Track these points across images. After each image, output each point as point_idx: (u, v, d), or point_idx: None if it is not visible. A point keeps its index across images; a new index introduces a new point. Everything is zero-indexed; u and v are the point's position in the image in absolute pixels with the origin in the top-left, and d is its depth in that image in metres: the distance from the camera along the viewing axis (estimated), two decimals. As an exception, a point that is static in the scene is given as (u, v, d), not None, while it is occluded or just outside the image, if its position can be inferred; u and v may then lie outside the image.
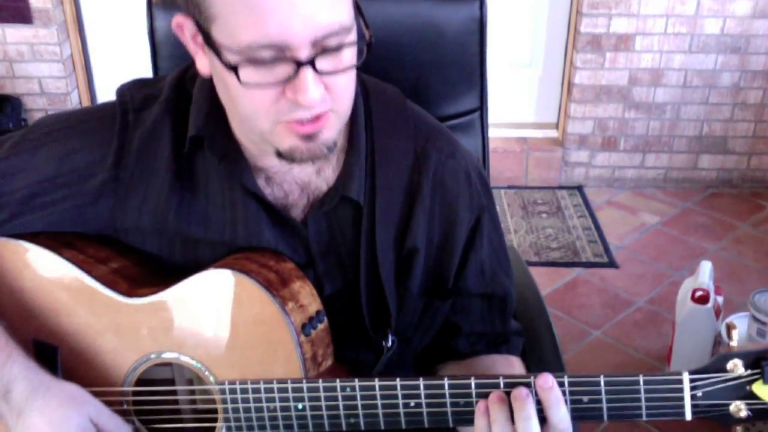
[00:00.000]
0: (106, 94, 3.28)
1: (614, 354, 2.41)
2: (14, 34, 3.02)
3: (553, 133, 3.37)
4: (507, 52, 3.22)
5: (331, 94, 0.87)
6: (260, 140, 0.93)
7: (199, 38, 0.89)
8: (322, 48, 0.83)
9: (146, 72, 1.30)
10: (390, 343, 1.03)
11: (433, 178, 1.03)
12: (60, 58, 3.08)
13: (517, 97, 3.33)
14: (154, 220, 0.99)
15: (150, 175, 0.99)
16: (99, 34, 3.20)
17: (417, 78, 1.11)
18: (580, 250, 2.88)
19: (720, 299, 2.25)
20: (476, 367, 1.11)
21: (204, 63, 0.92)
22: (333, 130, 0.91)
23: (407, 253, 1.03)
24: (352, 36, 0.86)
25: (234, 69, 0.84)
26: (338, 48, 0.85)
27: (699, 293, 2.16)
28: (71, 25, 3.10)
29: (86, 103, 3.26)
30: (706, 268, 2.24)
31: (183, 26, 0.91)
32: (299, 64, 0.83)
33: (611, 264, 2.81)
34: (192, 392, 1.05)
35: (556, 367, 1.25)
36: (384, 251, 1.01)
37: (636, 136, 3.24)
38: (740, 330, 2.16)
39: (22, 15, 2.97)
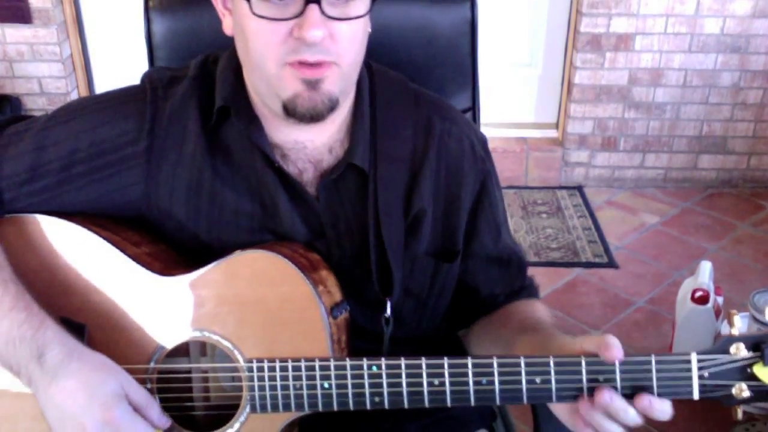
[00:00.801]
0: (106, 94, 3.28)
1: (614, 354, 2.40)
2: (14, 33, 3.03)
3: (552, 133, 3.37)
4: (507, 52, 3.22)
5: (335, 44, 0.94)
6: (268, 91, 0.99)
7: (228, 2, 1.00)
8: None
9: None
10: (388, 314, 1.06)
11: (438, 144, 1.09)
12: (60, 58, 3.09)
13: (517, 97, 3.33)
14: (189, 183, 1.04)
15: (182, 143, 1.04)
16: (99, 34, 3.20)
17: (409, 79, 1.13)
18: (580, 251, 2.88)
19: (720, 299, 2.25)
20: (498, 318, 1.15)
21: (229, 23, 1.02)
22: (336, 84, 0.97)
23: (415, 216, 1.07)
24: None
25: None
26: None
27: (699, 293, 2.16)
28: (71, 25, 3.10)
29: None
30: (705, 268, 2.24)
31: None
32: (307, 2, 0.91)
33: (611, 264, 2.81)
34: (216, 374, 1.06)
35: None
36: (389, 216, 1.05)
37: (636, 136, 3.24)
38: (740, 330, 2.15)
39: (21, 15, 2.97)
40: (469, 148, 1.11)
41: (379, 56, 1.11)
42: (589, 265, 2.81)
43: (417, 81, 1.13)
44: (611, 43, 3.05)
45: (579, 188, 3.30)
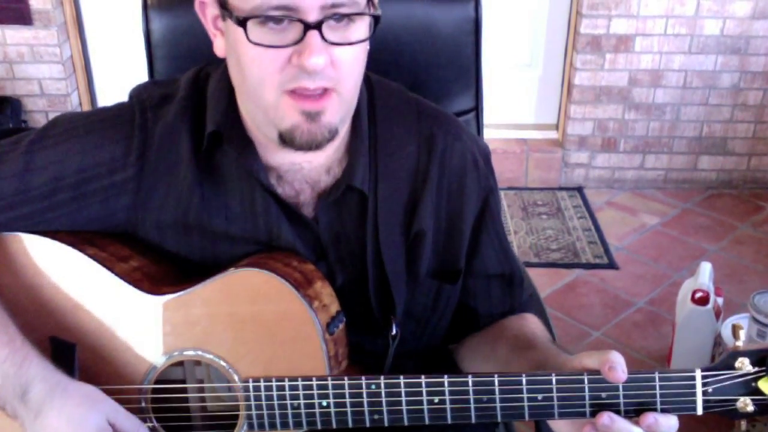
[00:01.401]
0: (106, 95, 3.28)
1: (614, 355, 2.40)
2: (14, 35, 3.02)
3: (553, 134, 3.37)
4: (507, 53, 3.22)
5: (337, 71, 0.90)
6: (265, 120, 0.95)
7: (219, 22, 0.94)
8: (331, 14, 0.87)
9: (145, 73, 1.30)
10: (394, 332, 1.04)
11: (440, 160, 1.05)
12: (60, 60, 3.08)
13: (517, 98, 3.32)
14: (177, 212, 1.01)
15: (172, 168, 1.01)
16: (99, 36, 3.20)
17: (413, 79, 1.12)
18: (580, 251, 2.88)
19: (720, 300, 2.25)
20: (491, 334, 1.13)
21: (220, 45, 0.97)
22: (336, 114, 0.93)
23: (415, 237, 1.05)
24: (362, 10, 0.90)
25: (243, 24, 0.87)
26: (347, 20, 0.89)
27: (699, 294, 2.16)
28: (71, 26, 3.10)
29: (86, 104, 3.26)
30: (706, 269, 2.24)
31: (205, 5, 0.96)
32: (307, 28, 0.86)
33: (611, 265, 2.81)
34: (212, 392, 1.05)
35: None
36: (389, 238, 1.03)
37: (636, 137, 3.23)
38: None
39: (22, 16, 2.97)
40: (472, 164, 1.08)
41: (382, 57, 1.09)
42: (589, 266, 2.81)
43: (420, 81, 1.11)
44: (611, 44, 3.05)
45: (579, 189, 3.30)
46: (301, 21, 0.86)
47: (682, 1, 2.96)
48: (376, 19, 0.92)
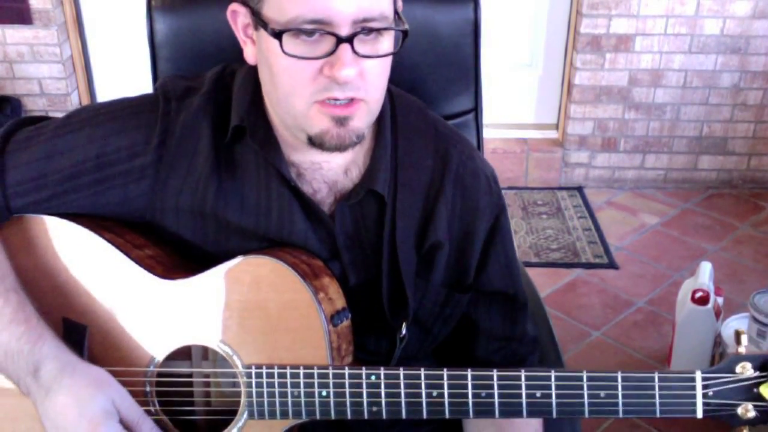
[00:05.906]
0: (106, 95, 3.28)
1: (614, 355, 2.41)
2: (14, 34, 3.03)
3: (553, 134, 3.37)
4: (507, 53, 3.22)
5: (365, 82, 0.94)
6: (294, 125, 0.98)
7: (250, 29, 0.98)
8: (362, 29, 0.91)
9: (146, 74, 1.30)
10: (403, 333, 1.06)
11: (454, 177, 1.08)
12: (60, 59, 3.08)
13: (517, 97, 3.33)
14: (193, 199, 1.03)
15: (191, 157, 1.03)
16: (99, 35, 3.20)
17: (413, 79, 1.13)
18: (580, 251, 2.88)
19: (720, 300, 2.25)
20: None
21: (251, 52, 1.01)
22: (363, 120, 0.97)
23: (430, 247, 1.07)
24: (390, 25, 0.94)
25: (279, 36, 0.90)
26: (376, 34, 0.92)
27: (699, 294, 2.16)
28: (71, 25, 3.10)
29: (87, 104, 3.27)
30: (706, 268, 2.24)
31: (237, 13, 0.99)
32: (339, 41, 0.90)
33: (611, 265, 2.81)
34: (215, 379, 1.06)
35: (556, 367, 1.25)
36: (404, 245, 1.05)
37: (636, 136, 3.24)
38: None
39: (22, 16, 2.97)
40: (485, 183, 1.11)
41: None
42: (589, 265, 2.81)
43: (420, 82, 1.12)
44: (611, 44, 3.05)
45: (579, 189, 3.31)
46: (333, 34, 0.90)
47: (682, 0, 2.96)
48: (403, 33, 0.96)
